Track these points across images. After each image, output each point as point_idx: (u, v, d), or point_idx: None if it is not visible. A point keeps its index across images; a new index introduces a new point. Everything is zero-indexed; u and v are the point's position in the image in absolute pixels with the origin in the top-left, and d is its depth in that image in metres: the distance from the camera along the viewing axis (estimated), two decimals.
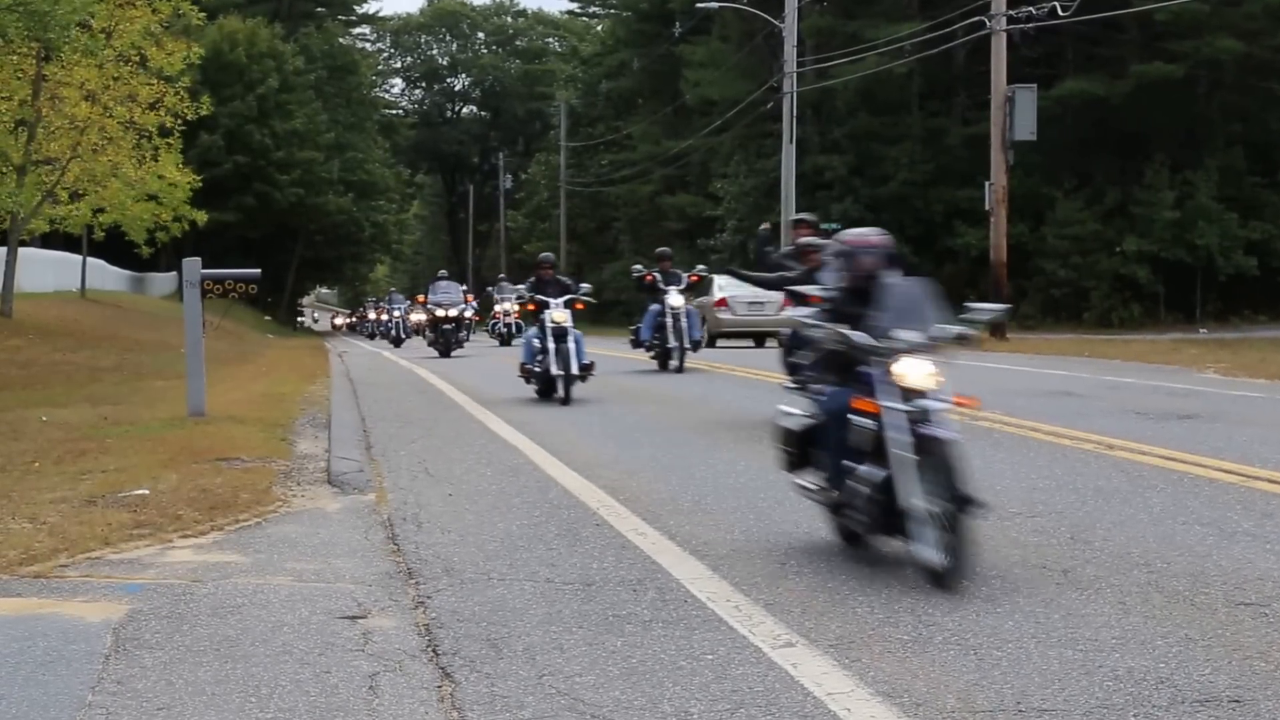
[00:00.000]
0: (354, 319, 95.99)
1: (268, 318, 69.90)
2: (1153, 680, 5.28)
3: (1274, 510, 8.64)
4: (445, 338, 33.51)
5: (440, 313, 33.93)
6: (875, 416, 7.09)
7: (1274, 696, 5.07)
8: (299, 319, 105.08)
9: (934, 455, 6.90)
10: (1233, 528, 8.09)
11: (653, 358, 23.39)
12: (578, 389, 17.88)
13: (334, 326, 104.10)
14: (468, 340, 34.07)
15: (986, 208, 36.88)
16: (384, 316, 60.15)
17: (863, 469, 7.06)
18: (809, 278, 12.23)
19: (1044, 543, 7.82)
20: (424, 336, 37.97)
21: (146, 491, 9.61)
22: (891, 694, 5.17)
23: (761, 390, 19.41)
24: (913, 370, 7.23)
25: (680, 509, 9.17)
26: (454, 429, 14.80)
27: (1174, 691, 5.14)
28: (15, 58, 29.13)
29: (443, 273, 38.35)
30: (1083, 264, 47.46)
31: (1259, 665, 5.44)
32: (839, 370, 7.63)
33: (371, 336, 62.78)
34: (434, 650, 5.84)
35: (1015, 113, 35.75)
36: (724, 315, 36.51)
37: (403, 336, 47.05)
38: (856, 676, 5.39)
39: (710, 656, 5.68)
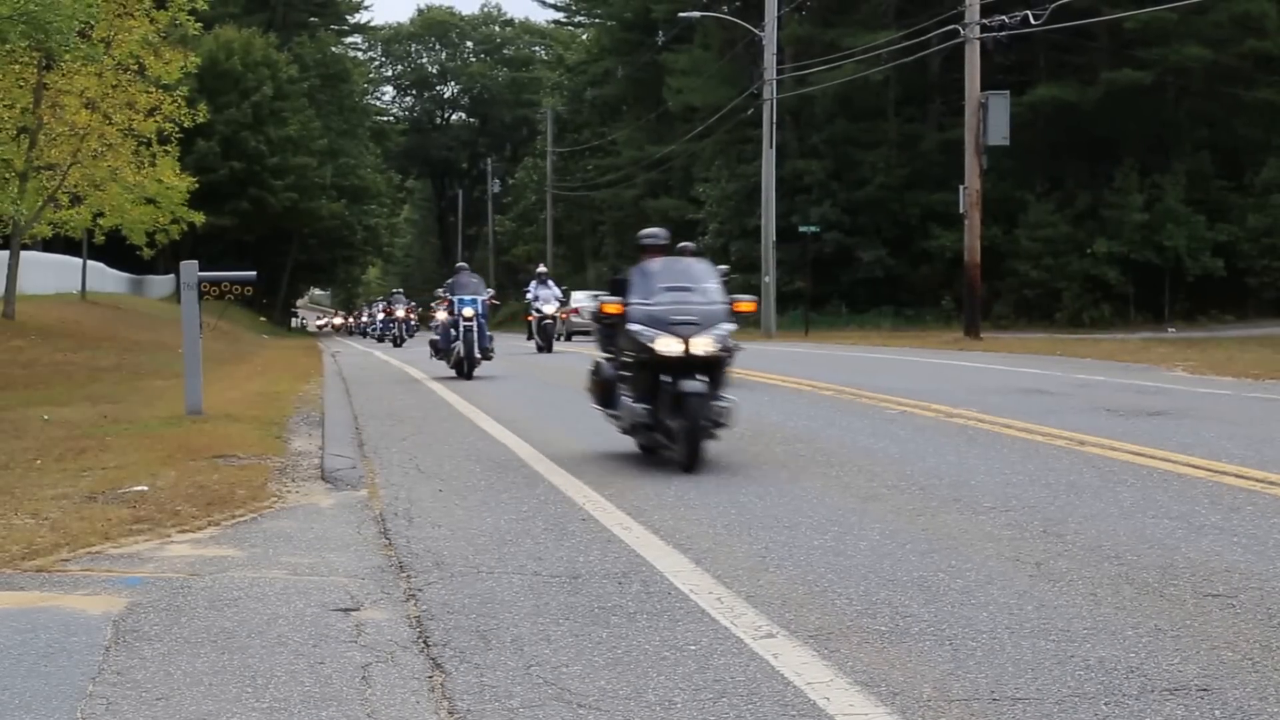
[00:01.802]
0: (351, 318, 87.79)
1: (263, 319, 69.95)
2: (1123, 669, 5.34)
3: (1241, 504, 8.74)
4: (690, 418, 10.84)
5: (670, 349, 11.14)
6: None
7: (1241, 685, 5.14)
8: (313, 321, 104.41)
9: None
10: (1201, 521, 8.19)
11: None
12: None
13: (334, 328, 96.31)
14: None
15: (961, 211, 37.03)
16: (442, 315, 38.42)
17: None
18: None
19: (1017, 536, 7.90)
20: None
21: (145, 488, 9.70)
22: (869, 683, 5.22)
23: (742, 388, 19.51)
24: None
25: (664, 504, 9.24)
26: (443, 426, 14.85)
27: (1144, 680, 5.20)
28: (17, 67, 29.28)
29: (683, 245, 18.40)
30: (1054, 265, 47.74)
31: (1226, 655, 5.52)
32: None
33: (387, 341, 50.85)
34: (425, 641, 5.89)
35: (989, 118, 35.92)
36: (575, 320, 46.79)
37: (475, 359, 22.98)
38: (835, 666, 5.44)
39: (693, 647, 5.74)
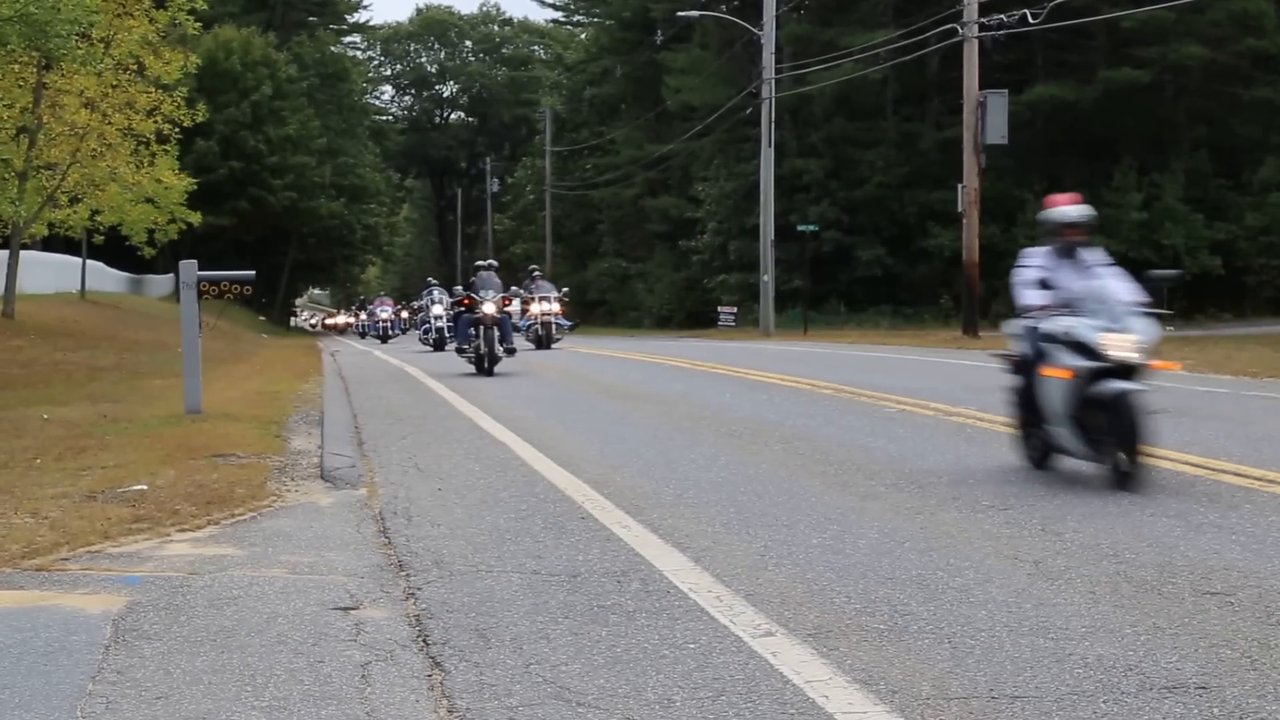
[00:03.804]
0: (356, 317, 71.93)
1: (262, 318, 69.86)
2: (1122, 667, 5.34)
3: (1239, 502, 8.75)
4: None
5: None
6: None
7: (1239, 683, 5.14)
8: (307, 320, 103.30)
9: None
10: (1199, 519, 8.20)
11: None
12: None
13: (337, 328, 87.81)
14: None
15: (959, 209, 37.07)
16: (526, 306, 32.91)
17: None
18: None
19: (1016, 534, 7.91)
20: None
21: (145, 487, 9.69)
22: (868, 681, 5.23)
23: (741, 386, 19.57)
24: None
25: (663, 502, 9.24)
26: (443, 425, 14.82)
27: (1142, 678, 5.21)
28: (17, 67, 29.30)
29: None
30: None
31: (1225, 653, 5.53)
32: None
33: (438, 347, 36.67)
34: (424, 640, 5.89)
35: (987, 117, 35.95)
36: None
37: None
38: (834, 665, 5.44)
39: (692, 645, 5.74)
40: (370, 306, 63.25)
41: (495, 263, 25.42)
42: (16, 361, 23.92)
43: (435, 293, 40.32)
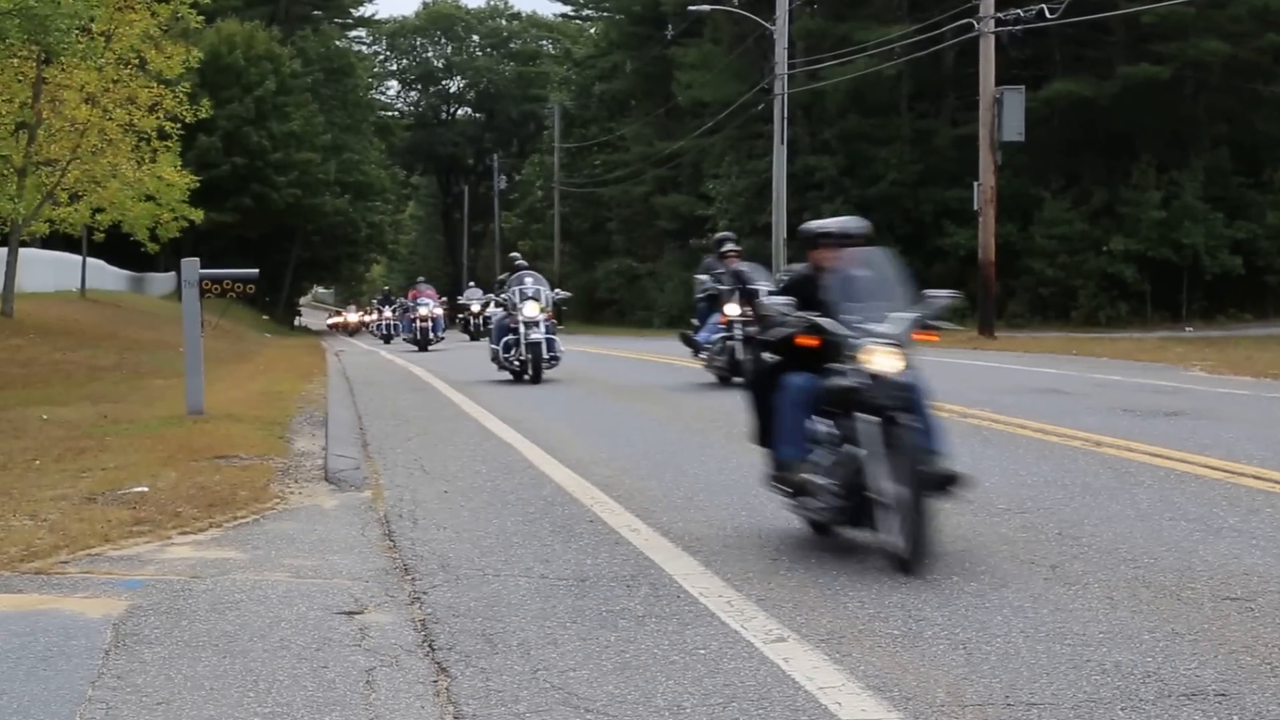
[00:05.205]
0: (379, 314, 58.11)
1: (265, 317, 69.81)
2: (1140, 674, 5.30)
3: (1259, 506, 8.67)
4: None
5: None
6: None
7: (1260, 690, 5.10)
8: (325, 320, 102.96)
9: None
10: (1219, 523, 8.12)
11: None
12: None
13: (332, 327, 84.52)
14: None
15: (975, 208, 36.89)
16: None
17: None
18: None
19: (1032, 539, 7.85)
20: None
21: (146, 489, 9.64)
22: (882, 688, 5.19)
23: None
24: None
25: (673, 505, 9.19)
26: (449, 427, 14.79)
27: (1161, 685, 5.17)
28: (16, 61, 29.21)
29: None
30: (1070, 263, 47.63)
31: (1245, 659, 5.48)
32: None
33: (527, 374, 21.28)
34: (430, 645, 5.86)
35: (1003, 114, 35.77)
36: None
37: None
38: (847, 671, 5.41)
39: (703, 651, 5.70)
40: (402, 299, 49.45)
41: (867, 220, 9.07)
42: (15, 361, 23.90)
43: (528, 281, 22.37)
